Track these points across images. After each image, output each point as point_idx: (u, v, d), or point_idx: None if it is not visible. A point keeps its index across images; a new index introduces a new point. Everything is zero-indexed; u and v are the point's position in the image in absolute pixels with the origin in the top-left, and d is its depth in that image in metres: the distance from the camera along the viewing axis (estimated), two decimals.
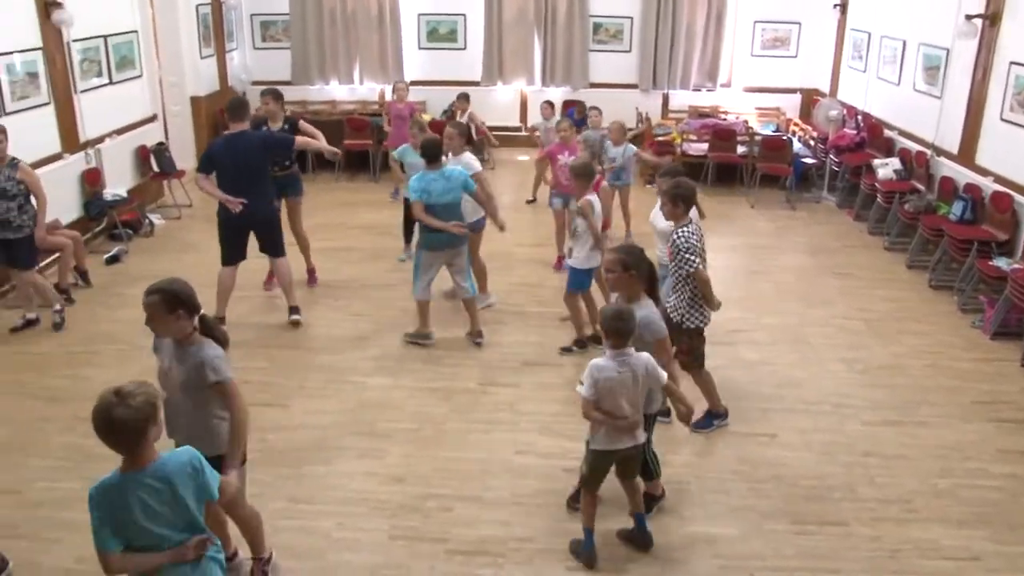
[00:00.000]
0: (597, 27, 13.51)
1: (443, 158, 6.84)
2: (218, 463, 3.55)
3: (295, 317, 7.34)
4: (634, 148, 9.08)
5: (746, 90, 13.63)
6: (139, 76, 10.67)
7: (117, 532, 2.95)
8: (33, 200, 7.01)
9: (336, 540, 4.68)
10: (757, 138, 11.56)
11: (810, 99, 13.32)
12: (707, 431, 5.74)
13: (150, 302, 3.65)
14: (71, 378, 6.43)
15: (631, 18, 13.42)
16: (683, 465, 5.38)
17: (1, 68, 7.92)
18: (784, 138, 11.62)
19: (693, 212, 5.66)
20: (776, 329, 7.35)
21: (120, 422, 2.83)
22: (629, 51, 13.59)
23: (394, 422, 5.84)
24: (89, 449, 5.43)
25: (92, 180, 9.38)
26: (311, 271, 8.33)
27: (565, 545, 4.61)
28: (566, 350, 6.88)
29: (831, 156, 11.42)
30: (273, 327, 7.34)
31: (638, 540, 4.61)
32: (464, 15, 13.53)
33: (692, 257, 5.27)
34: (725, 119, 12.82)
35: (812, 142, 11.95)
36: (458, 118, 11.29)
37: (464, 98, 11.99)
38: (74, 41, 9.09)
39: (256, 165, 6.95)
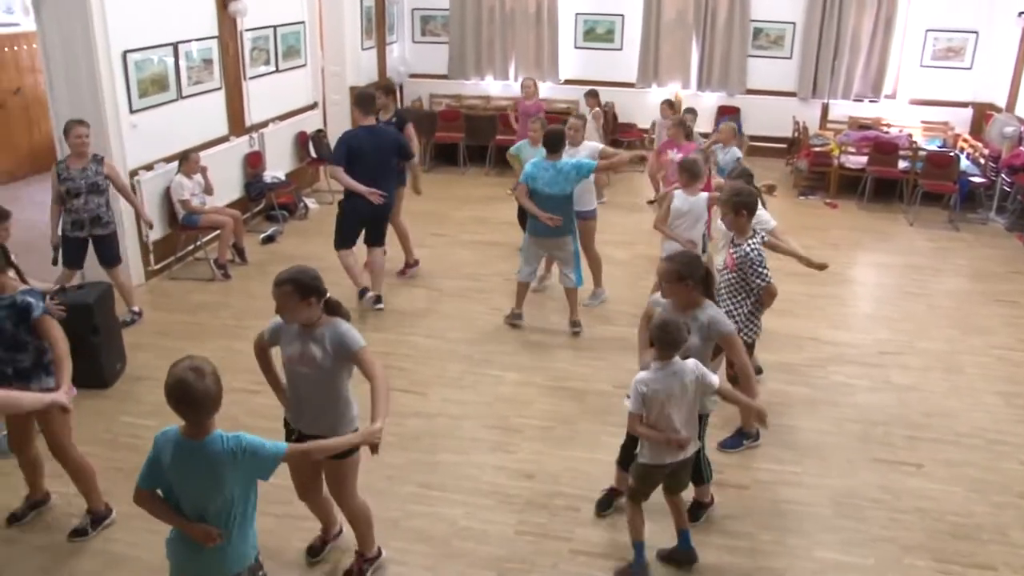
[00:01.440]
0: (758, 32, 13.17)
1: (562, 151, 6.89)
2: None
3: (380, 306, 7.52)
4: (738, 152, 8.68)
5: (912, 102, 12.99)
6: (303, 65, 11.09)
7: (156, 478, 3.18)
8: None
9: (462, 529, 4.75)
10: (921, 153, 11.01)
11: (983, 114, 12.56)
12: (735, 451, 5.52)
13: (283, 292, 3.71)
14: (224, 350, 6.74)
15: (793, 23, 13.00)
16: (818, 487, 5.19)
17: (181, 55, 8.39)
18: (951, 154, 11.02)
19: (760, 213, 5.45)
20: (929, 354, 6.99)
21: (201, 394, 3.01)
22: (789, 58, 13.18)
23: (527, 418, 5.87)
24: (235, 418, 5.69)
25: (254, 163, 9.83)
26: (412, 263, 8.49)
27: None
28: None
29: (1003, 175, 10.78)
30: (413, 314, 7.51)
31: (682, 558, 4.47)
32: (622, 15, 13.45)
33: (765, 271, 5.07)
34: (887, 132, 12.27)
35: (982, 160, 11.29)
36: (589, 117, 11.18)
37: (593, 95, 11.87)
38: (246, 30, 9.54)
39: (389, 159, 7.30)
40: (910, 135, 11.95)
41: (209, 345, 6.78)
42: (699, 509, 4.83)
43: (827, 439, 5.71)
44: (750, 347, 5.28)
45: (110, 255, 6.97)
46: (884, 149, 11.13)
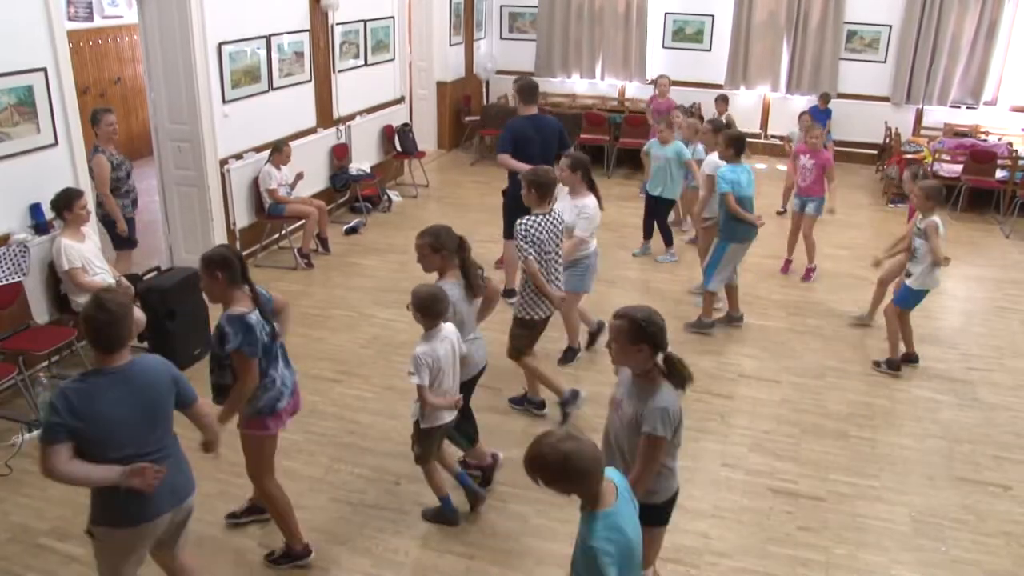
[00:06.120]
0: (851, 34, 12.82)
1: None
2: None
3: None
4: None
5: (1013, 109, 12.47)
6: (391, 60, 11.21)
7: None
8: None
9: (533, 526, 4.76)
10: (1021, 163, 10.61)
11: None
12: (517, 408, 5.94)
13: (614, 325, 3.37)
14: (304, 337, 6.88)
15: (889, 26, 12.62)
16: (897, 503, 5.05)
17: (273, 47, 8.58)
18: None
19: (563, 203, 6.00)
20: (1020, 373, 6.71)
21: (576, 463, 2.79)
22: (883, 61, 12.80)
23: (602, 418, 5.79)
24: (313, 405, 5.81)
25: (340, 154, 9.99)
26: None
27: (762, 567, 4.45)
28: (877, 365, 6.69)
29: None
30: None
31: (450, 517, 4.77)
32: (712, 16, 13.26)
33: (525, 247, 5.30)
34: (985, 140, 11.85)
35: None
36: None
37: (722, 100, 11.74)
38: (337, 24, 9.70)
39: (551, 147, 7.32)
40: (1010, 144, 11.49)
41: (290, 333, 6.91)
42: (482, 470, 5.11)
43: (908, 454, 5.54)
44: (523, 323, 5.54)
45: (133, 238, 7.13)
46: (981, 158, 10.75)
